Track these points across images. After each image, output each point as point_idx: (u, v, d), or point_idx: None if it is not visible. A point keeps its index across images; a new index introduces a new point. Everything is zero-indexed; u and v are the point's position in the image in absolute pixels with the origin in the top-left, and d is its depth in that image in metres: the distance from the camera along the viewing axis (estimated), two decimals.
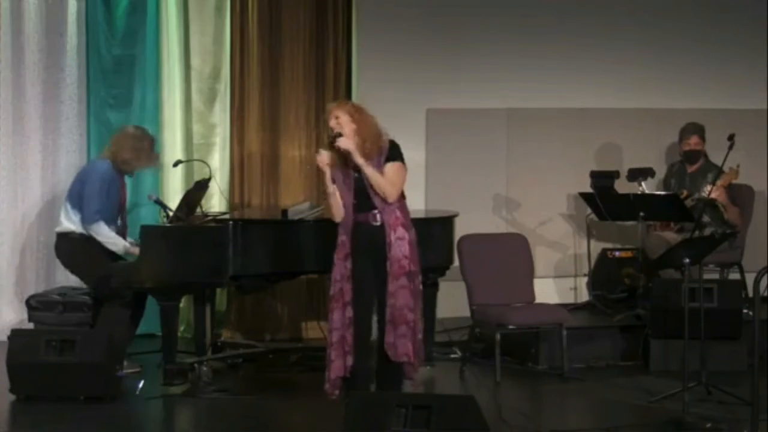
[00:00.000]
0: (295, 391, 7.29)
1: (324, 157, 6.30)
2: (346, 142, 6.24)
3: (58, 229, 7.71)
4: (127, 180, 8.84)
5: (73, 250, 7.62)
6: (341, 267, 6.35)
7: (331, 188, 6.32)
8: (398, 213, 6.33)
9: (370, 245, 6.30)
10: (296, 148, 8.86)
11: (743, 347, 7.69)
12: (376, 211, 6.30)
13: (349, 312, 6.30)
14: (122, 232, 7.75)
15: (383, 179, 6.26)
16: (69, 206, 7.65)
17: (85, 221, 7.56)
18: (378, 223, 6.30)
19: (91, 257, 7.55)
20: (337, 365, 6.33)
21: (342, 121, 6.28)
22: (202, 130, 8.92)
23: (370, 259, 6.32)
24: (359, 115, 6.33)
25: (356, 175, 6.32)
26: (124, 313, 7.47)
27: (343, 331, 6.31)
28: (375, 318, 6.41)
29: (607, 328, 8.18)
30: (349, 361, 6.31)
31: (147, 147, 7.81)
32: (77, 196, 7.62)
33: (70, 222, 7.63)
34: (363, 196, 6.31)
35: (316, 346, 8.12)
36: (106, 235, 7.57)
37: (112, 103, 8.86)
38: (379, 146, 6.30)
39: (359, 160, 6.22)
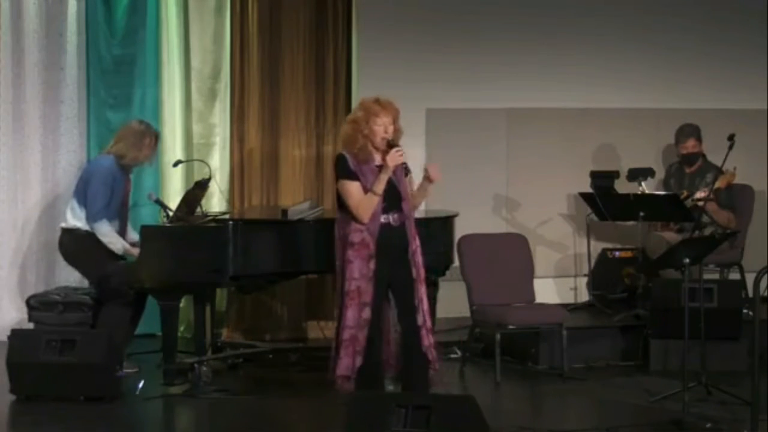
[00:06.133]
0: (295, 391, 7.29)
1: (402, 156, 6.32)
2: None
3: (64, 224, 7.69)
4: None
5: (77, 246, 7.61)
6: (362, 266, 6.31)
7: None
8: (414, 222, 6.47)
9: (392, 247, 6.35)
10: (296, 148, 8.85)
11: (743, 347, 7.70)
12: (396, 214, 6.37)
13: (366, 313, 6.29)
14: (123, 230, 7.74)
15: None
16: (75, 203, 7.63)
17: (89, 219, 7.55)
18: (397, 224, 6.37)
19: (94, 255, 7.54)
20: (345, 363, 6.31)
21: (390, 130, 6.37)
22: (202, 130, 8.91)
23: (389, 260, 6.35)
24: (398, 124, 6.45)
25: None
26: (125, 313, 7.46)
27: (356, 331, 6.29)
28: (392, 319, 6.45)
29: (607, 328, 8.18)
30: (358, 361, 6.30)
31: (150, 143, 7.75)
32: (83, 194, 7.60)
33: (76, 219, 7.61)
34: (393, 198, 6.37)
35: (316, 346, 8.13)
36: (107, 234, 7.56)
37: (112, 103, 8.84)
38: None
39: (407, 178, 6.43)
